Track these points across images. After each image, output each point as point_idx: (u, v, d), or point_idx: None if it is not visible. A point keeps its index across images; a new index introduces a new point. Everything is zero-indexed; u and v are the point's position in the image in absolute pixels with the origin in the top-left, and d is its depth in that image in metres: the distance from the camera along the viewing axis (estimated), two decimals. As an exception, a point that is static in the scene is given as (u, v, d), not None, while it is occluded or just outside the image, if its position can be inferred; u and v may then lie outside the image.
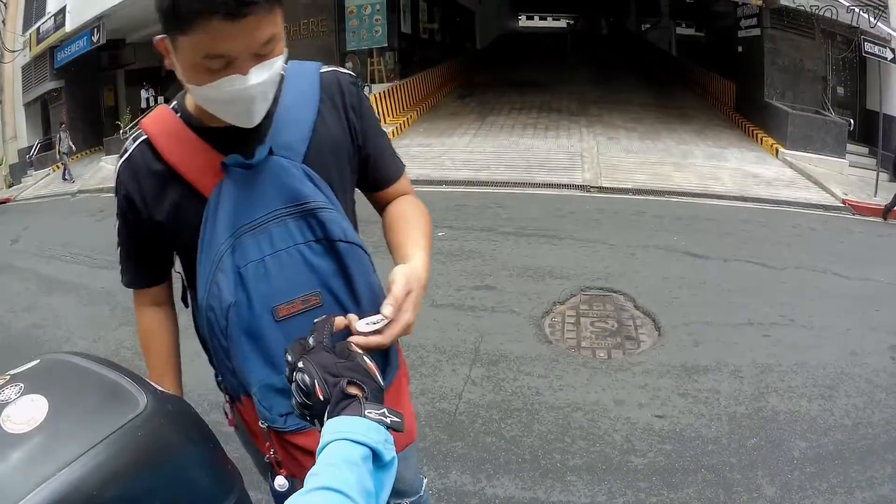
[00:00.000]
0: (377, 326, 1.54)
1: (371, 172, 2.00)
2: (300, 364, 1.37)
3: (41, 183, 27.17)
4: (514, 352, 6.11)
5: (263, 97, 1.61)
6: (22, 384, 1.81)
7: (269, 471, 1.88)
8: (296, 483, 1.80)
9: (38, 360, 2.01)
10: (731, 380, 5.36)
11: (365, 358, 1.43)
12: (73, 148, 25.18)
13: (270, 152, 1.69)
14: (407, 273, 1.61)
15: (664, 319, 6.51)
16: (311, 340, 1.43)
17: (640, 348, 6.05)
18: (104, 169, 24.42)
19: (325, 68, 1.90)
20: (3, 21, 30.43)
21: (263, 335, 1.70)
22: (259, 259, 1.68)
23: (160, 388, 1.89)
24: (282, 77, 1.76)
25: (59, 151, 24.41)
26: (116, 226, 1.95)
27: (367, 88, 14.94)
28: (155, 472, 1.68)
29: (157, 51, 1.58)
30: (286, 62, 1.66)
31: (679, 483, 4.13)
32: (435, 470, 4.31)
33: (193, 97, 1.68)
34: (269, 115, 1.71)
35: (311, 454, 1.57)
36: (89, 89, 30.91)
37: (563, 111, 19.49)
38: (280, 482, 1.83)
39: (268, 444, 1.82)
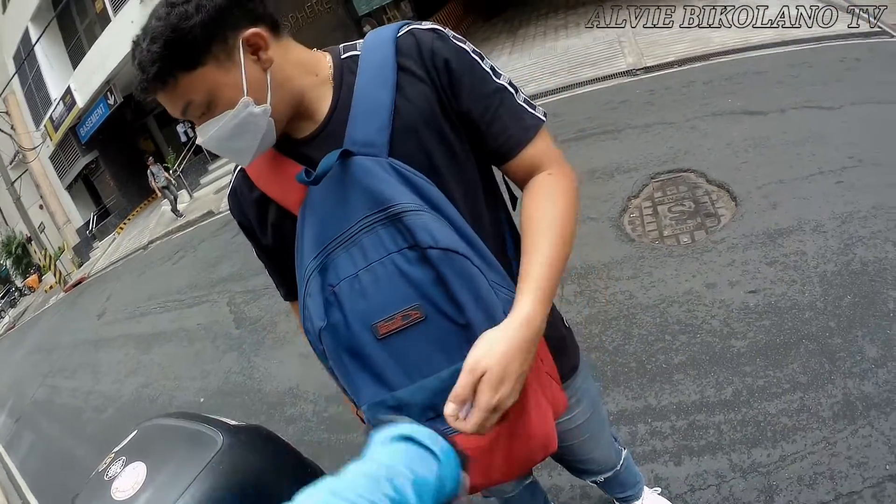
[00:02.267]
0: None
1: (485, 141, 1.72)
2: None
3: (110, 250, 27.66)
4: (600, 259, 6.20)
5: (229, 149, 1.60)
6: (124, 457, 2.12)
7: None
8: None
9: (136, 431, 2.38)
10: (815, 237, 5.32)
11: None
12: (172, 180, 23.81)
13: (347, 154, 1.59)
14: (483, 350, 1.45)
15: (738, 188, 6.46)
16: None
17: (721, 223, 6.04)
18: (166, 213, 24.91)
19: (403, 30, 1.70)
20: (12, 127, 30.87)
21: (367, 354, 1.62)
22: (353, 275, 1.59)
23: (233, 423, 2.15)
24: (352, 62, 1.71)
25: (158, 188, 23.13)
26: (254, 250, 2.00)
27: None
28: (244, 493, 1.90)
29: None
30: (251, 107, 1.54)
31: (783, 360, 4.19)
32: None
33: None
34: (347, 109, 1.65)
35: None
36: (125, 147, 31.31)
37: (587, 2, 18.92)
38: None
39: None
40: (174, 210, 22.72)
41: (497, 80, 1.71)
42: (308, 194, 1.65)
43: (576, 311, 5.57)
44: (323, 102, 1.68)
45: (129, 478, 1.95)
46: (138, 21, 21.08)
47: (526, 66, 15.01)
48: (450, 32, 1.71)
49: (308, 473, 2.10)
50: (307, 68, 1.68)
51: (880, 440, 3.41)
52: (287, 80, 1.62)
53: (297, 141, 1.70)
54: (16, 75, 30.61)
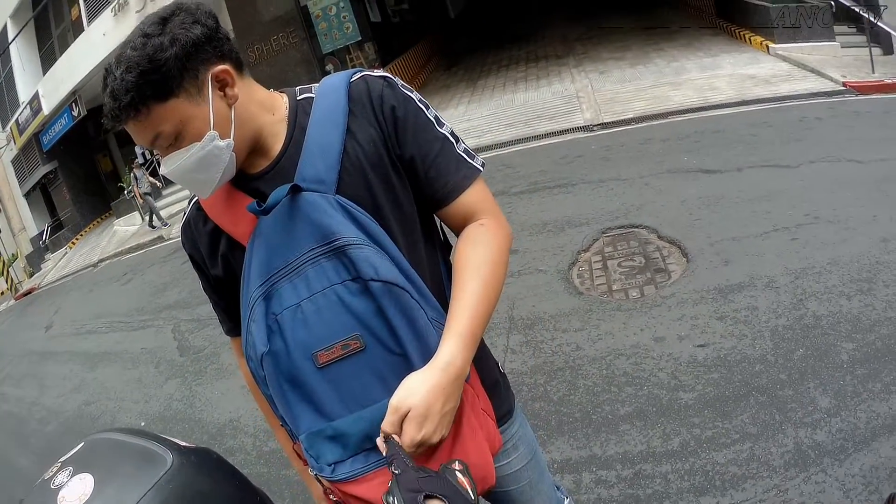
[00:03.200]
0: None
1: (423, 187, 1.77)
2: (389, 489, 1.38)
3: (61, 263, 27.43)
4: (547, 311, 6.10)
5: (194, 181, 1.63)
6: (71, 467, 1.99)
7: None
8: None
9: (83, 443, 2.21)
10: (767, 292, 5.29)
11: (457, 474, 1.44)
12: (160, 184, 22.75)
13: (297, 189, 1.63)
14: (406, 391, 1.52)
15: (690, 244, 6.44)
16: (393, 468, 1.42)
17: (671, 279, 5.99)
18: (118, 232, 24.86)
19: (356, 76, 1.77)
20: None
21: (306, 382, 1.65)
22: (296, 304, 1.62)
23: (183, 444, 2.02)
24: (306, 104, 1.76)
25: (139, 194, 21.56)
26: (201, 284, 2.01)
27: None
28: None
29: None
30: (221, 139, 1.59)
31: (732, 411, 4.12)
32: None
33: None
34: (299, 147, 1.69)
35: (368, 502, 1.66)
36: (84, 161, 31.34)
37: (549, 57, 19.29)
38: None
39: (326, 489, 1.78)
40: (151, 221, 21.85)
41: (439, 130, 1.76)
42: (258, 225, 1.67)
43: (521, 360, 5.42)
44: (277, 140, 1.72)
45: (75, 488, 1.85)
46: (110, 34, 21.23)
47: (483, 116, 15.15)
48: (398, 81, 1.78)
49: (257, 501, 2.04)
50: (265, 107, 1.73)
51: (835, 486, 3.36)
52: (249, 117, 1.66)
53: (251, 176, 1.73)
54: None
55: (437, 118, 1.78)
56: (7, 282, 28.56)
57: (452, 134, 1.79)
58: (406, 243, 1.74)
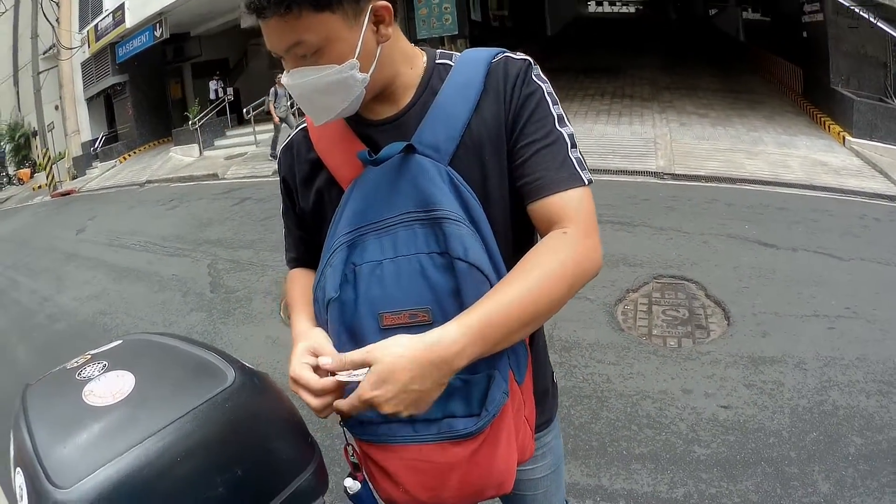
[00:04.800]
0: (351, 379, 1.49)
1: (519, 173, 1.68)
2: None
3: (107, 174, 27.48)
4: (586, 339, 6.32)
5: (313, 102, 1.62)
6: (105, 362, 1.94)
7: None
8: (365, 489, 1.76)
9: (121, 341, 2.20)
10: (796, 372, 5.47)
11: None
12: (293, 114, 19.81)
13: (411, 149, 1.62)
14: (384, 345, 1.45)
15: (734, 309, 6.63)
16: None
17: (710, 337, 6.19)
18: (173, 159, 24.82)
19: (499, 56, 1.74)
20: (56, 20, 30.70)
21: (365, 338, 1.60)
22: (377, 261, 1.60)
23: (246, 364, 1.97)
24: (443, 70, 1.76)
25: (275, 114, 19.38)
26: (282, 208, 2.03)
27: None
28: (240, 442, 1.77)
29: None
30: (364, 71, 1.58)
31: (739, 475, 4.29)
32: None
33: None
34: (425, 109, 1.69)
35: (384, 471, 1.70)
36: (154, 82, 31.09)
37: (635, 97, 19.27)
38: (349, 483, 1.76)
39: (347, 444, 1.79)
40: (273, 150, 19.70)
41: (558, 127, 1.69)
42: (363, 173, 1.68)
43: (551, 379, 5.63)
44: (406, 94, 1.73)
45: (109, 384, 1.79)
46: None
47: (560, 140, 15.09)
48: (536, 68, 1.75)
49: (307, 443, 1.94)
50: (406, 58, 1.74)
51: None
52: (390, 62, 1.67)
53: (368, 121, 1.75)
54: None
55: (560, 116, 1.71)
56: (48, 177, 28.87)
57: (571, 137, 1.71)
58: (503, 233, 1.70)
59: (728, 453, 4.54)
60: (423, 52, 1.82)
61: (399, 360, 1.40)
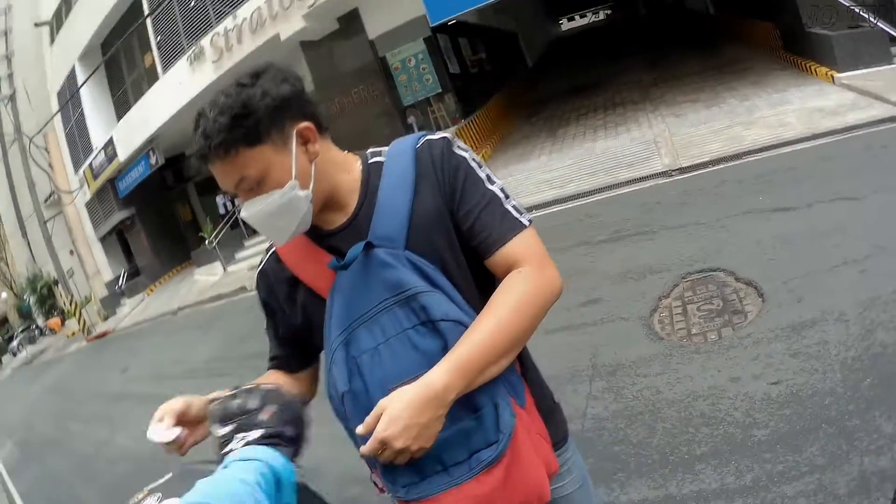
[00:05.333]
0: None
1: (469, 239, 1.91)
2: None
3: (138, 309, 27.97)
4: (629, 357, 6.23)
5: (271, 226, 1.81)
6: (160, 493, 2.07)
7: None
8: None
9: (171, 474, 2.34)
10: (838, 326, 5.35)
11: None
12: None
13: (370, 246, 1.81)
14: (389, 397, 1.70)
15: (765, 284, 6.52)
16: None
17: (748, 319, 6.07)
18: (199, 282, 25.23)
19: (421, 141, 1.96)
20: (49, 165, 31.44)
21: None
22: (373, 348, 1.79)
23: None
24: (377, 167, 1.95)
25: None
26: (265, 324, 2.22)
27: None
28: None
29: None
30: (299, 189, 1.77)
31: (802, 445, 4.19)
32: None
33: None
34: (371, 207, 1.88)
35: None
36: (162, 209, 31.84)
37: (626, 103, 19.31)
38: None
39: None
40: None
41: (488, 186, 1.92)
42: (336, 279, 1.87)
43: (602, 406, 5.58)
44: (351, 199, 1.93)
45: None
46: (186, 83, 21.61)
47: (565, 165, 15.23)
48: (457, 141, 1.98)
49: None
50: (342, 166, 1.95)
51: (894, 510, 3.38)
52: (326, 174, 1.87)
53: (326, 232, 1.94)
54: (59, 114, 31.33)
55: (488, 176, 1.94)
56: (79, 322, 29.22)
57: (503, 190, 1.94)
58: (466, 285, 1.91)
59: (787, 427, 4.43)
60: (357, 156, 2.03)
61: (400, 403, 1.66)
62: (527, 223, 1.91)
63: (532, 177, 15.33)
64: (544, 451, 1.93)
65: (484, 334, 1.73)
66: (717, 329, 6.14)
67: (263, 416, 1.75)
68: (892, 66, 13.18)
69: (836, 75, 13.65)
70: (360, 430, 1.72)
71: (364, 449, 1.72)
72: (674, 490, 4.29)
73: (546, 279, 1.85)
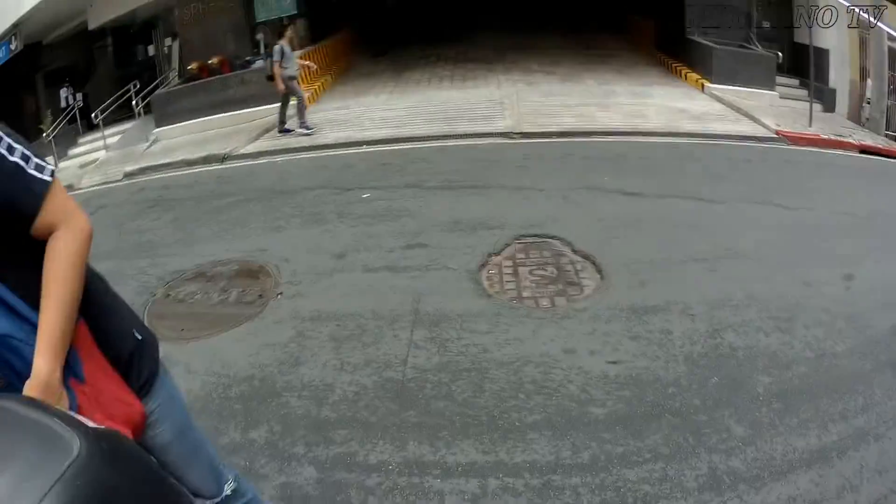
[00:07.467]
0: None
1: (8, 222, 1.91)
2: None
3: None
4: (454, 310, 5.90)
5: None
6: None
7: None
8: None
9: None
10: (683, 318, 5.28)
11: None
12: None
13: None
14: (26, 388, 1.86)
15: (605, 261, 6.38)
16: None
17: (584, 293, 5.91)
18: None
19: None
20: None
21: None
22: None
23: (91, 426, 1.71)
24: None
25: (280, 78, 13.59)
26: None
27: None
28: None
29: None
30: None
31: (644, 430, 4.06)
32: (391, 443, 4.14)
33: None
34: None
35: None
36: (10, 99, 29.78)
37: (478, 61, 19.12)
38: None
39: None
40: (281, 124, 14.38)
41: (11, 158, 1.90)
42: None
43: (425, 356, 5.20)
44: None
45: None
46: None
47: (405, 107, 14.81)
48: None
49: (173, 497, 1.83)
50: None
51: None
52: None
53: None
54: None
55: (9, 146, 1.91)
56: None
57: (23, 155, 1.94)
58: (17, 274, 1.93)
59: (627, 409, 4.28)
60: None
61: (37, 392, 1.86)
62: (49, 178, 1.99)
63: (369, 113, 14.76)
64: (120, 410, 2.07)
65: (55, 314, 1.90)
66: (549, 296, 5.92)
67: None
68: (773, 92, 13.72)
69: (708, 84, 14.17)
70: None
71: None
72: (504, 457, 4.01)
73: (77, 233, 1.99)
